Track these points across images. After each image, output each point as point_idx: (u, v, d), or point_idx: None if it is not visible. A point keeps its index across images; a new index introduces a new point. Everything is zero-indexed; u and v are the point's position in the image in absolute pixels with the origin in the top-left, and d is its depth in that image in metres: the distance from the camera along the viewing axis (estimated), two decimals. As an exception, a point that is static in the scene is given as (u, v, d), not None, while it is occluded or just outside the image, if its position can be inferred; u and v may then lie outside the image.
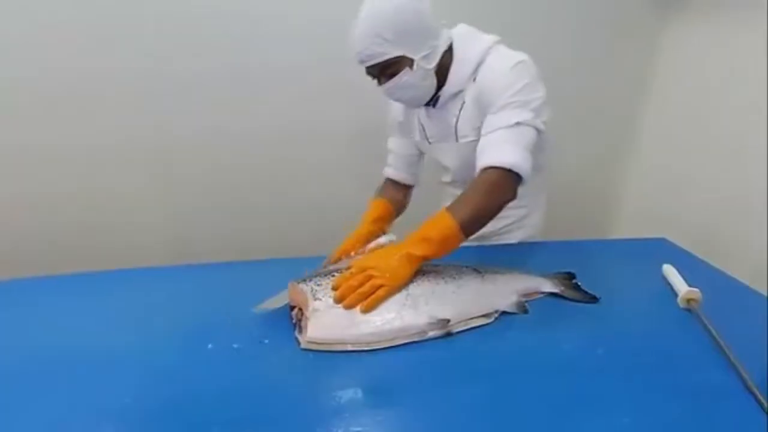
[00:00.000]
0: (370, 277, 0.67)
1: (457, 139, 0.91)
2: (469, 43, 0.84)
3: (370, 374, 0.59)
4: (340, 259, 0.83)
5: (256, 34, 1.36)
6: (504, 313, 0.71)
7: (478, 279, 0.75)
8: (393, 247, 0.74)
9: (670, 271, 0.80)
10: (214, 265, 0.86)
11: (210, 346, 0.63)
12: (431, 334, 0.65)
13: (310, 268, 0.75)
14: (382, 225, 0.97)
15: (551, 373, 0.59)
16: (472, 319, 0.68)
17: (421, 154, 1.05)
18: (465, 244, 0.87)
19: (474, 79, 0.84)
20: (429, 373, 0.59)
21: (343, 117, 1.52)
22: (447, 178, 1.04)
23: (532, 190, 1.00)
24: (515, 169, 0.75)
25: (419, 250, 0.71)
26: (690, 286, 0.74)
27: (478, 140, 0.83)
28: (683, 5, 1.48)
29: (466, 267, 0.78)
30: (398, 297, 0.68)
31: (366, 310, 0.65)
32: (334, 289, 0.67)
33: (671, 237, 1.02)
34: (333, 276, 0.70)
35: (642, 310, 0.75)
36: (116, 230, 1.52)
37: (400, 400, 0.55)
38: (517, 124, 0.77)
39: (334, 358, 0.61)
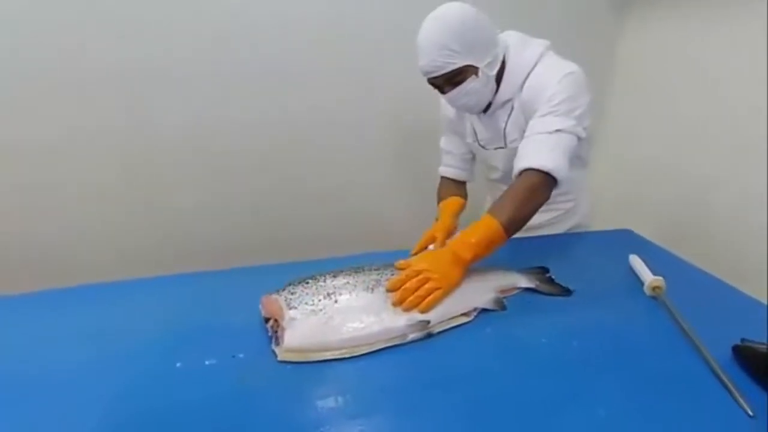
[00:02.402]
0: (427, 280, 0.69)
1: (506, 144, 0.96)
2: (520, 51, 0.87)
3: (351, 382, 0.57)
4: (422, 249, 0.88)
5: (244, 25, 1.31)
6: (483, 310, 0.71)
7: (456, 278, 0.75)
8: (443, 251, 0.75)
9: (635, 261, 0.83)
10: (182, 276, 0.81)
11: (179, 364, 0.59)
12: (412, 336, 0.64)
13: (287, 274, 0.72)
14: (457, 220, 1.01)
15: (531, 368, 0.60)
16: (452, 318, 0.68)
17: (473, 152, 1.09)
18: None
19: (522, 88, 0.87)
20: (411, 377, 0.59)
21: (330, 116, 1.49)
22: (495, 176, 1.08)
23: (578, 184, 1.05)
24: (553, 174, 0.79)
25: (468, 253, 0.73)
26: (654, 275, 0.77)
27: None
28: (640, 2, 1.54)
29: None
30: (377, 299, 0.67)
31: (424, 311, 0.67)
32: (390, 290, 0.68)
33: (633, 228, 1.07)
34: (307, 283, 0.68)
35: (612, 300, 0.77)
36: (89, 236, 1.42)
37: (382, 406, 0.54)
38: (558, 131, 0.81)
39: (313, 368, 0.59)
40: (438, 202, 1.08)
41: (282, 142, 1.48)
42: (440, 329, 0.67)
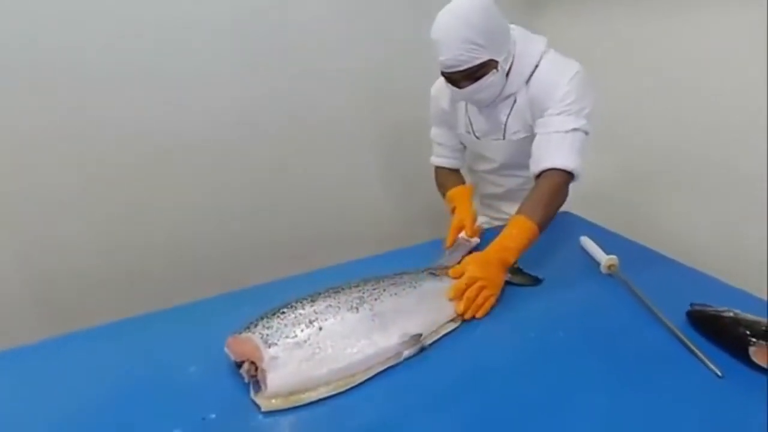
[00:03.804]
0: (482, 288, 0.70)
1: (504, 136, 0.96)
2: (525, 45, 0.88)
3: (353, 419, 0.51)
4: (455, 239, 0.91)
5: (238, 24, 1.25)
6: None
7: (436, 282, 0.72)
8: (489, 255, 0.75)
9: (587, 242, 0.89)
10: (119, 324, 0.65)
11: (132, 444, 0.46)
12: (406, 353, 0.60)
13: (244, 305, 0.61)
14: (473, 205, 1.01)
15: (528, 365, 0.60)
16: (441, 327, 0.65)
17: (463, 143, 1.09)
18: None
19: (527, 82, 0.88)
20: (414, 397, 0.54)
21: (316, 117, 1.43)
22: (487, 167, 1.09)
23: None
24: (575, 173, 0.84)
25: (512, 257, 0.76)
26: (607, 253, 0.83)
27: (526, 136, 0.92)
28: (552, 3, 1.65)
29: (420, 271, 0.74)
30: (364, 319, 0.61)
31: (481, 317, 0.69)
32: (452, 299, 0.69)
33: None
34: (283, 314, 0.59)
35: (576, 283, 0.80)
36: (85, 238, 1.26)
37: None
38: (574, 130, 0.84)
39: (306, 413, 0.51)
40: (442, 192, 1.08)
41: (276, 143, 1.42)
42: (432, 340, 0.63)
